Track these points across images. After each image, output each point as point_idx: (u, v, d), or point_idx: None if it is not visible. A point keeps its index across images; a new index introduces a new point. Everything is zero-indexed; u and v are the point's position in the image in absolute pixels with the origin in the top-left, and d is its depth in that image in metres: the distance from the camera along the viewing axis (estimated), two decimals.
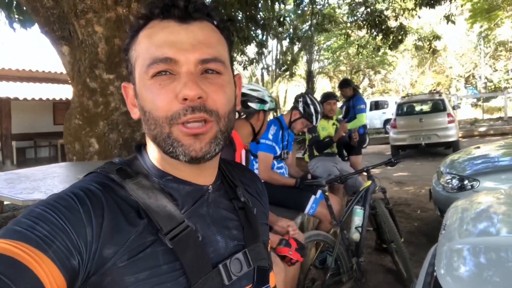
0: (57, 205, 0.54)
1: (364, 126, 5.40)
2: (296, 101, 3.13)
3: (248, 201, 0.73)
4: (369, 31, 9.08)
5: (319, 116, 3.09)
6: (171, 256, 0.57)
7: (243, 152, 2.15)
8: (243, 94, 2.16)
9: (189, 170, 0.65)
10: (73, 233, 0.52)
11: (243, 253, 0.65)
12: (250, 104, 2.20)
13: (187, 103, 0.57)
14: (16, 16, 4.39)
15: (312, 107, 3.04)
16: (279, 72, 17.09)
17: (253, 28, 7.95)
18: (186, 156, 0.59)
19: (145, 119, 0.61)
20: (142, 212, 0.59)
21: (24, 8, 3.91)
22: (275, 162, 3.01)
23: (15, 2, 4.30)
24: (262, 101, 2.22)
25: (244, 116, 2.26)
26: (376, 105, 17.93)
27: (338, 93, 5.92)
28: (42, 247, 0.48)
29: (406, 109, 10.89)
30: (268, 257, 0.72)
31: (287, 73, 15.71)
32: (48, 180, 1.83)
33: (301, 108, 3.06)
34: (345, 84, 5.59)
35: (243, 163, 2.12)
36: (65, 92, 10.60)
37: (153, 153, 0.66)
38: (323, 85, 26.13)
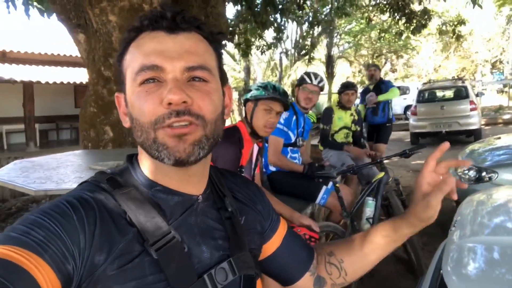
0: (51, 212, 0.55)
1: (391, 119, 5.36)
2: None
3: (236, 211, 0.74)
4: (391, 15, 8.83)
5: (313, 75, 3.11)
6: (156, 267, 0.58)
7: (256, 148, 2.11)
8: None
9: (177, 178, 0.66)
10: (67, 239, 0.54)
11: (228, 262, 0.66)
12: None
13: (172, 107, 0.58)
14: (35, 4, 4.45)
15: (303, 74, 3.15)
16: (298, 56, 16.87)
17: (271, 12, 7.84)
18: (170, 158, 0.60)
19: (133, 126, 0.63)
20: (130, 221, 0.60)
21: None
22: (289, 151, 3.00)
23: None
24: (248, 90, 2.06)
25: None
26: None
27: (356, 80, 5.80)
28: (38, 252, 0.50)
29: (427, 95, 10.63)
30: (255, 265, 0.73)
31: (306, 57, 15.51)
32: (61, 169, 1.88)
33: (297, 83, 3.18)
34: (376, 65, 5.51)
35: (253, 158, 2.10)
36: (85, 76, 10.73)
37: (143, 162, 0.68)
38: (343, 70, 25.70)
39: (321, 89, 3.13)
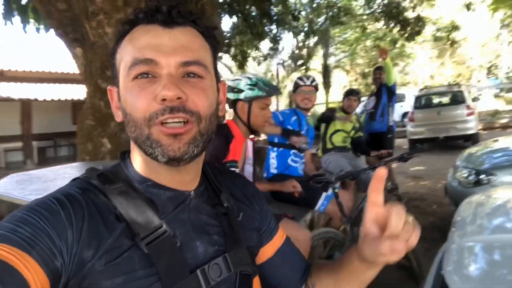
0: (39, 209, 0.55)
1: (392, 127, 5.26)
2: None
3: (233, 207, 0.73)
4: (386, 23, 8.94)
5: (304, 77, 3.20)
6: (147, 261, 0.57)
7: (250, 144, 2.14)
8: None
9: (169, 175, 0.66)
10: (55, 235, 0.53)
11: (223, 258, 0.65)
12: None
13: (166, 103, 0.58)
14: (32, 20, 4.50)
15: (296, 80, 3.24)
16: (295, 67, 16.96)
17: (267, 23, 7.93)
18: (164, 156, 0.59)
19: (126, 121, 0.62)
20: (121, 216, 0.59)
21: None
22: (292, 154, 3.00)
23: (30, 6, 4.41)
24: (237, 90, 2.04)
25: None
26: None
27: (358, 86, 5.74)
28: (26, 249, 0.49)
29: (424, 101, 10.69)
30: (253, 262, 0.72)
31: (303, 67, 15.59)
32: (58, 181, 1.87)
33: (293, 89, 3.29)
34: (381, 67, 5.35)
35: (250, 154, 2.12)
36: (83, 92, 10.76)
37: (136, 158, 0.67)
38: (339, 79, 25.80)
39: (316, 88, 3.17)
